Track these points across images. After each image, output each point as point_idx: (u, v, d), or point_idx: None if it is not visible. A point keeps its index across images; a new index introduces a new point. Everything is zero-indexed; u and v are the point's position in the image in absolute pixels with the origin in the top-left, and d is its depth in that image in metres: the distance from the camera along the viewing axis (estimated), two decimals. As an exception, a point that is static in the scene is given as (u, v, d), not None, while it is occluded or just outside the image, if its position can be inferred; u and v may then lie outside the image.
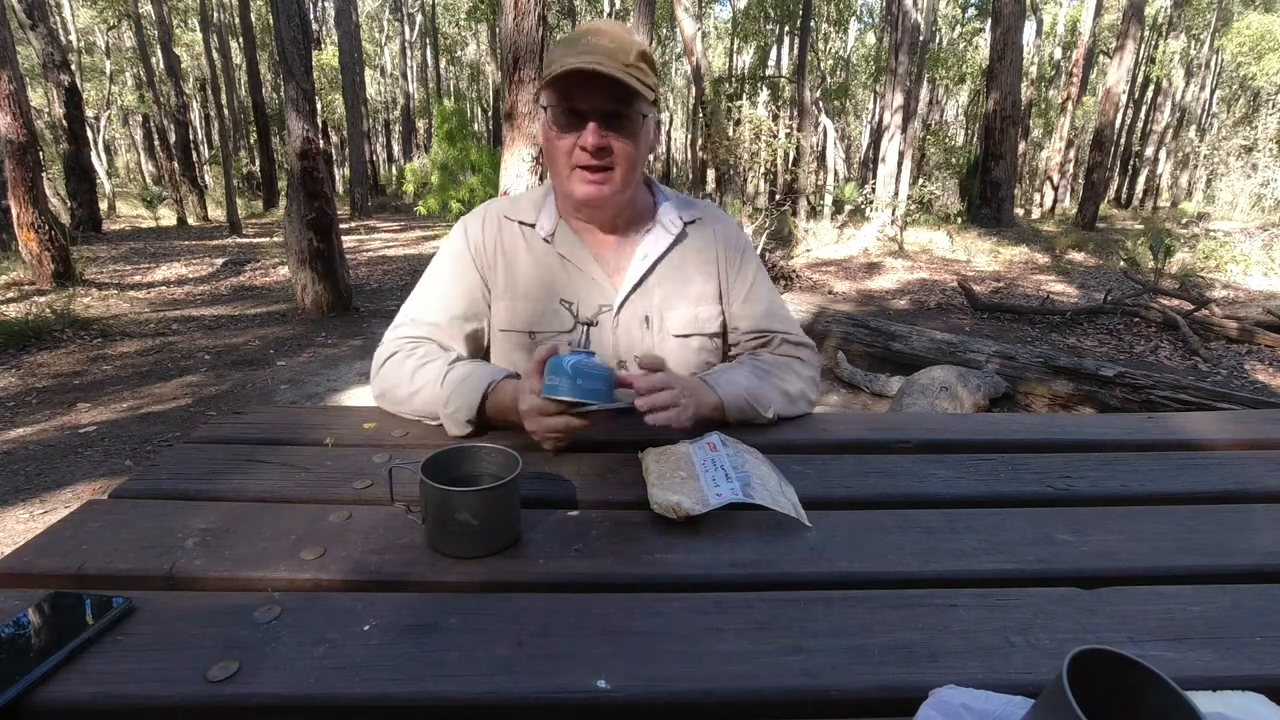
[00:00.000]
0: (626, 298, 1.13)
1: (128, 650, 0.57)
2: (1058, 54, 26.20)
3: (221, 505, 0.80)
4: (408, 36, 27.90)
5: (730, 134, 11.21)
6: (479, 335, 1.15)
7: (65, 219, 10.87)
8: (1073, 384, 4.04)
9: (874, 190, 12.67)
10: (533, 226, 1.13)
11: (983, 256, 10.62)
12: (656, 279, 1.15)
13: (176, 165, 16.11)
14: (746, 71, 23.55)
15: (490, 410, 0.99)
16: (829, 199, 13.09)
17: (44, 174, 7.25)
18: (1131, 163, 25.14)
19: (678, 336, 1.16)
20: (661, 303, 1.14)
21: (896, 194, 11.71)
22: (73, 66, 11.42)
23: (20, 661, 0.54)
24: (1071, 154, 20.26)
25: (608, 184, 1.03)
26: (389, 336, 1.11)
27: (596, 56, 0.96)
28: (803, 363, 1.17)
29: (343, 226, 8.12)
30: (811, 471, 0.92)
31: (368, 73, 27.75)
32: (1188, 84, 25.56)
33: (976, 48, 24.58)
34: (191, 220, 15.18)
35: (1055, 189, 18.99)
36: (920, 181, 14.50)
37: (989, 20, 15.56)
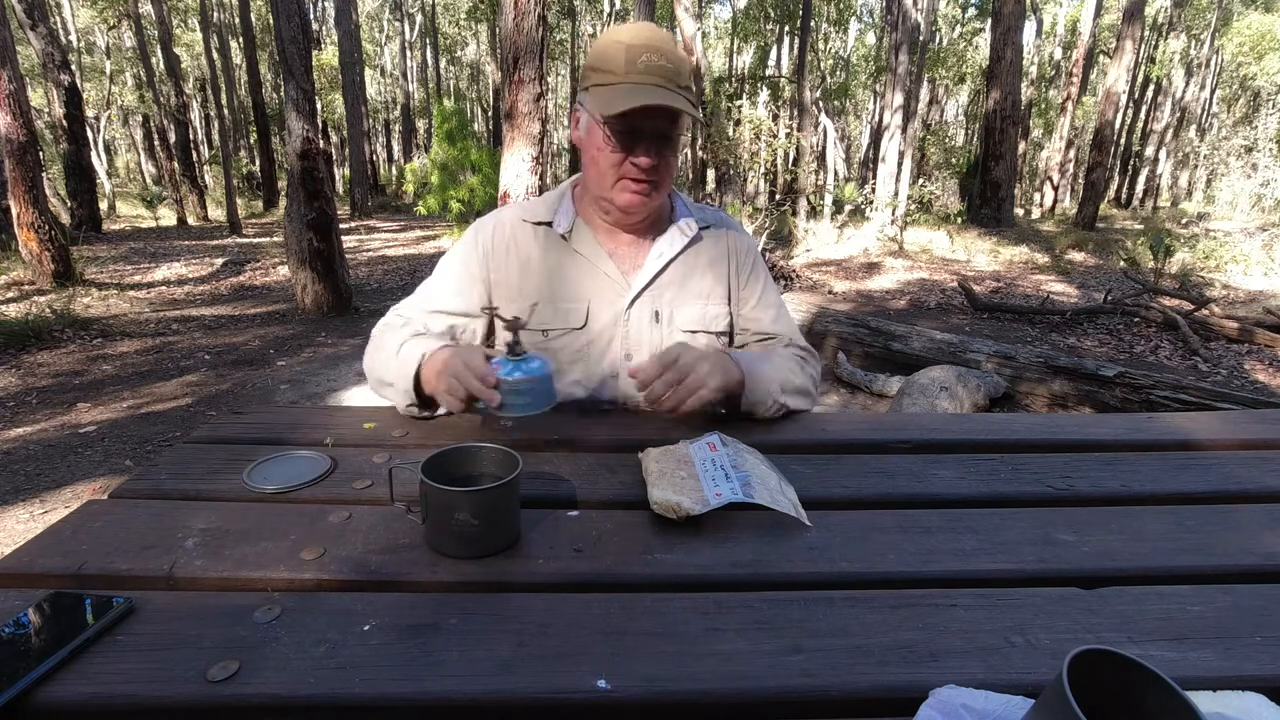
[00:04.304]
0: (639, 294, 1.16)
1: (128, 650, 0.57)
2: (1058, 54, 26.18)
3: (221, 505, 0.80)
4: (408, 36, 27.89)
5: (730, 134, 11.19)
6: (453, 331, 1.17)
7: (65, 219, 10.87)
8: (1073, 384, 4.04)
9: (874, 190, 12.66)
10: (549, 225, 1.16)
11: (982, 256, 10.62)
12: (669, 277, 1.18)
13: (176, 165, 16.09)
14: (746, 71, 23.54)
15: (424, 376, 1.01)
16: (829, 199, 13.09)
17: (44, 174, 7.24)
18: (1131, 163, 25.12)
19: (685, 332, 1.19)
20: (672, 299, 1.18)
21: (896, 194, 11.70)
22: (73, 66, 11.40)
23: (20, 661, 0.53)
24: (1071, 154, 20.26)
25: (653, 194, 1.09)
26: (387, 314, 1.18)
27: (659, 81, 1.00)
28: (805, 362, 1.20)
29: (343, 226, 8.13)
30: (811, 471, 0.92)
31: (368, 73, 27.76)
32: (1188, 84, 25.54)
33: (976, 48, 24.55)
34: (191, 220, 15.18)
35: (1055, 189, 19.00)
36: (920, 181, 14.50)
37: (989, 20, 15.56)
